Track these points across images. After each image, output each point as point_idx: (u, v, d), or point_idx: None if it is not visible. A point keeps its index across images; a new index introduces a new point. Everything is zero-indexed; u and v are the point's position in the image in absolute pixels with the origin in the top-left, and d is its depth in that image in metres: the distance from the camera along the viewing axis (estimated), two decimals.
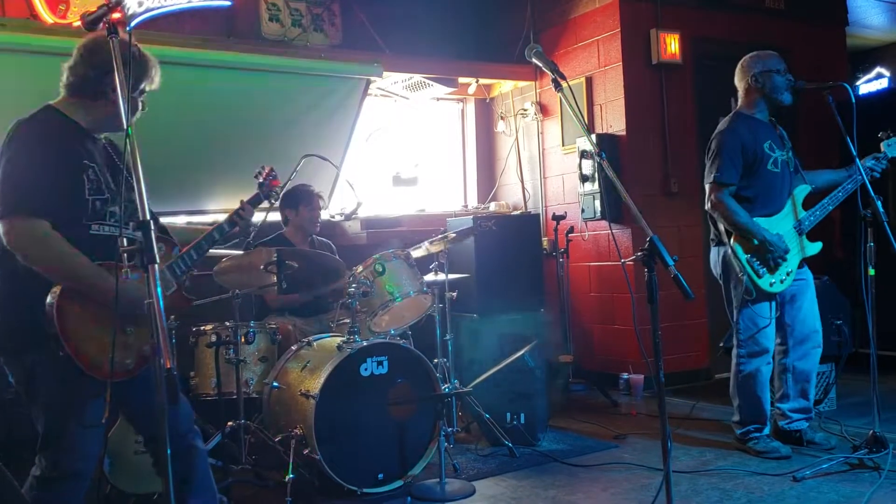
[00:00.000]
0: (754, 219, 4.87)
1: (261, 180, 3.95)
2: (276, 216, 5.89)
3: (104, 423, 3.05)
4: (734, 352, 5.12)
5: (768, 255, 4.81)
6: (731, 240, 4.91)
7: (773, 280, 4.87)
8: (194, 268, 3.47)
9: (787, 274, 4.89)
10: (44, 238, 2.87)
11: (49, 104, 3.17)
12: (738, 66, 5.10)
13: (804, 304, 5.04)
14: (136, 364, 3.08)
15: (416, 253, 5.31)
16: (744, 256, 4.85)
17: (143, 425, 3.35)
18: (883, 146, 4.98)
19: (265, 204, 4.03)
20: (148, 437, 3.38)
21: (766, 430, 5.05)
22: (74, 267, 2.91)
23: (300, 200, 5.86)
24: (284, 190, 5.52)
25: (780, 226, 4.91)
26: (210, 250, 3.53)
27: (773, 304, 4.94)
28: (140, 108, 3.25)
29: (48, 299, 2.87)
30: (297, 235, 5.91)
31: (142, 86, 3.22)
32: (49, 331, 2.85)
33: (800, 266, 4.98)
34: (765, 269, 4.85)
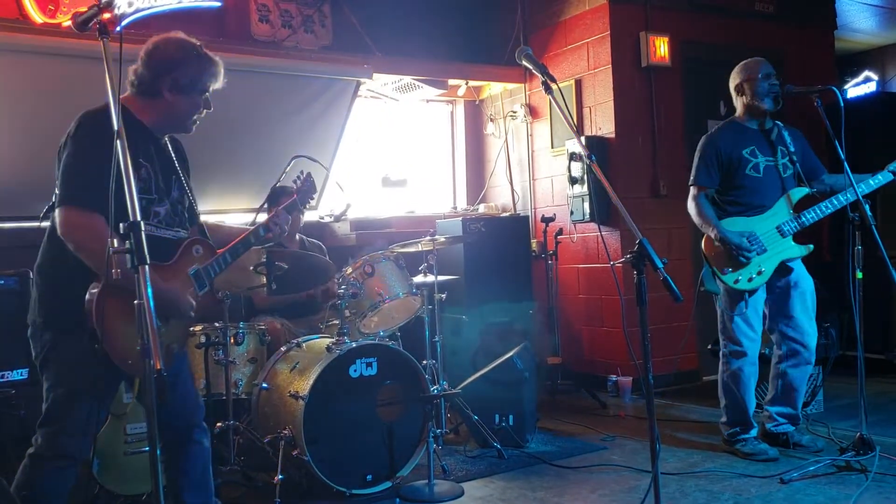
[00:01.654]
0: (736, 218, 4.98)
1: (298, 185, 3.92)
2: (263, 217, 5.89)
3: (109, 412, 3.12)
4: (719, 353, 5.18)
5: (733, 253, 4.88)
6: (704, 237, 5.05)
7: (739, 277, 4.91)
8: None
9: (758, 273, 4.91)
10: (94, 231, 2.93)
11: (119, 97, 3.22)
12: (731, 74, 5.18)
13: (795, 314, 5.03)
14: (162, 361, 3.10)
15: (405, 250, 5.31)
16: (707, 250, 5.01)
17: (166, 419, 3.38)
18: None
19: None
20: (168, 434, 3.42)
21: (754, 433, 5.07)
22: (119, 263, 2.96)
23: (272, 204, 5.83)
24: (270, 191, 5.54)
25: (760, 226, 4.95)
26: (235, 261, 3.54)
27: (743, 303, 4.98)
28: (207, 107, 3.34)
29: (88, 293, 2.92)
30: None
31: (209, 85, 3.29)
32: (87, 324, 2.90)
33: (784, 269, 4.99)
34: (729, 265, 4.90)
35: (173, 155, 3.38)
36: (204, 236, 3.47)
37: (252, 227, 3.60)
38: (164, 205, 3.23)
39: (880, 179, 4.88)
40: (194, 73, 3.22)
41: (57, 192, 3.02)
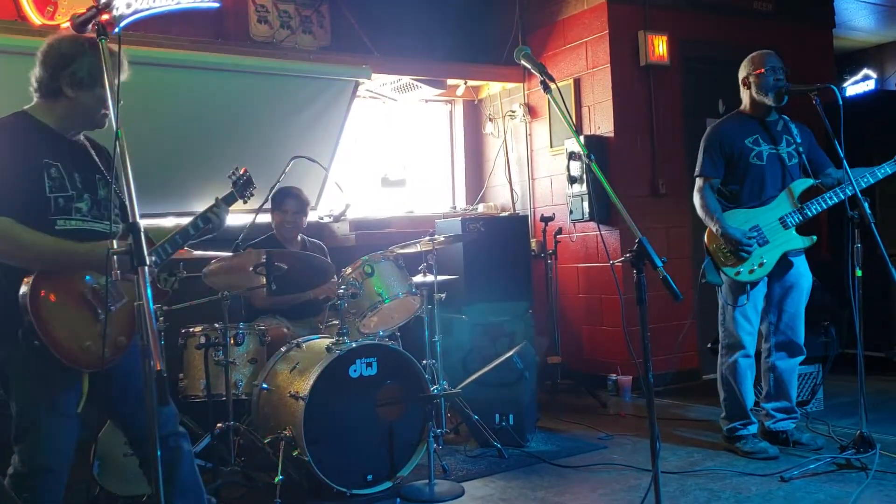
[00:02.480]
0: (739, 210, 4.99)
1: (234, 178, 3.98)
2: (266, 217, 5.90)
3: (78, 413, 3.07)
4: (718, 346, 5.22)
5: (732, 247, 4.89)
6: (706, 230, 5.06)
7: (740, 269, 4.91)
8: (167, 260, 3.52)
9: (760, 265, 4.91)
10: (6, 232, 2.92)
11: (22, 109, 3.23)
12: (740, 66, 5.20)
13: (789, 310, 5.05)
14: (112, 354, 3.08)
15: (405, 251, 5.31)
16: (709, 242, 5.02)
17: (126, 425, 3.35)
18: None
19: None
20: (131, 438, 3.38)
21: (753, 429, 5.07)
22: (38, 250, 2.97)
23: (274, 206, 5.85)
24: (272, 191, 5.54)
25: (762, 218, 4.95)
26: (197, 252, 3.54)
27: (745, 295, 4.99)
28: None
29: (21, 289, 2.90)
30: (282, 237, 5.91)
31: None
32: (24, 319, 2.87)
33: (786, 263, 5.00)
34: (731, 257, 4.92)
35: (95, 155, 3.31)
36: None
37: (191, 219, 3.59)
38: (83, 201, 3.17)
39: (886, 170, 4.89)
40: (91, 65, 3.13)
41: None
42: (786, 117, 5.18)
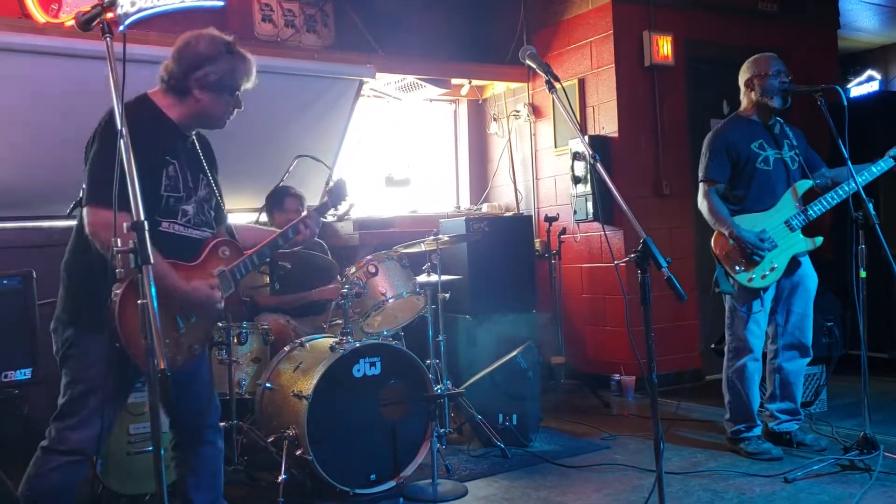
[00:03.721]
0: (745, 215, 4.96)
1: (330, 187, 3.87)
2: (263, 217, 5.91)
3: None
4: (724, 349, 5.18)
5: (746, 251, 4.86)
6: (713, 236, 5.03)
7: (752, 276, 4.90)
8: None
9: (771, 270, 4.90)
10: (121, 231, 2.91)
11: (146, 94, 3.22)
12: (742, 67, 5.17)
13: (797, 310, 5.05)
14: (184, 360, 3.18)
15: (409, 250, 5.31)
16: (718, 251, 4.99)
17: (174, 422, 3.43)
18: None
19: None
20: (178, 432, 3.47)
21: (758, 431, 5.06)
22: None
23: (274, 205, 5.83)
24: (273, 190, 5.54)
25: (769, 221, 4.94)
26: (264, 264, 3.55)
27: (758, 301, 4.96)
28: (237, 105, 3.35)
29: (114, 293, 2.90)
30: None
31: (240, 83, 3.29)
32: (110, 324, 2.90)
33: (794, 264, 4.99)
34: (742, 264, 4.89)
35: (200, 153, 3.35)
36: (231, 237, 3.45)
37: (281, 230, 3.56)
38: (191, 203, 3.22)
39: (882, 166, 4.89)
40: (224, 70, 3.19)
41: (84, 189, 3.01)
42: (780, 119, 5.16)
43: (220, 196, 3.45)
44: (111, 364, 2.98)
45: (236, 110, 3.34)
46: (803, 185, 5.03)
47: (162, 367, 2.28)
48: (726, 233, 4.92)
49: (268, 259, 3.51)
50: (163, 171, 3.09)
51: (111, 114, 2.98)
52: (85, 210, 2.97)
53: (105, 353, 2.96)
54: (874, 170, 4.87)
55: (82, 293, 3.09)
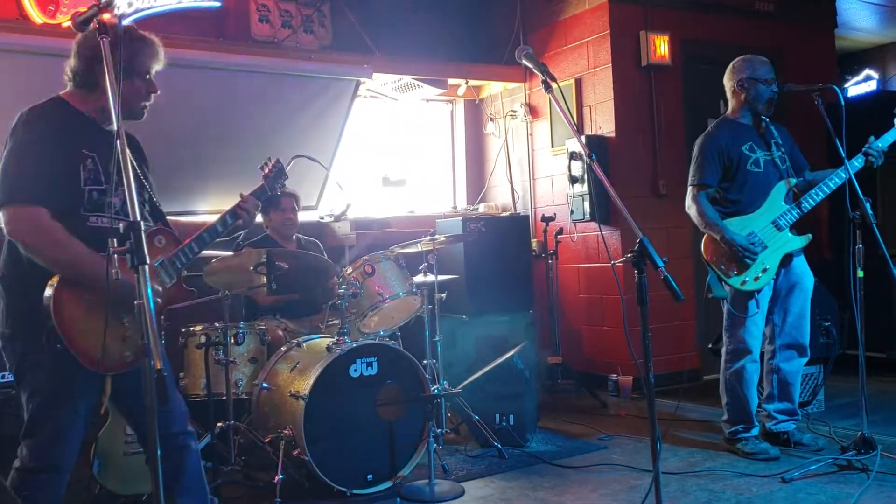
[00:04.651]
0: (733, 219, 4.97)
1: (266, 171, 3.84)
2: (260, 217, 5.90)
3: (100, 414, 3.05)
4: (722, 350, 5.17)
5: (737, 254, 4.86)
6: (703, 241, 5.03)
7: (745, 278, 4.90)
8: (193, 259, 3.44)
9: (763, 271, 4.90)
10: (40, 226, 2.88)
11: (58, 95, 3.17)
12: (730, 66, 5.17)
13: (794, 310, 5.05)
14: (135, 356, 3.05)
15: (406, 250, 5.31)
16: (709, 256, 5.00)
17: (138, 422, 3.33)
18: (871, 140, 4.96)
19: None
20: (141, 434, 3.37)
21: (755, 432, 5.06)
22: (71, 256, 2.91)
23: (270, 205, 5.82)
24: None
25: (756, 223, 4.95)
26: (203, 250, 3.50)
27: (753, 302, 4.96)
28: (152, 90, 3.25)
29: (46, 291, 2.86)
30: (281, 236, 5.90)
31: (147, 66, 3.20)
32: (47, 323, 2.84)
33: (786, 263, 4.99)
34: (734, 268, 4.89)
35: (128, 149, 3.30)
36: (167, 227, 3.40)
37: (220, 215, 3.51)
38: (117, 196, 3.12)
39: (837, 181, 4.88)
40: (127, 56, 3.03)
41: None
42: (766, 119, 5.16)
43: (153, 191, 3.38)
44: (64, 369, 2.90)
45: (153, 95, 3.25)
46: (782, 185, 5.02)
47: (158, 366, 2.26)
48: (717, 236, 4.93)
49: (207, 244, 3.41)
50: (80, 164, 3.02)
51: (24, 114, 3.01)
52: (2, 213, 2.91)
53: (56, 360, 2.88)
54: (856, 163, 4.86)
55: (22, 302, 2.99)
